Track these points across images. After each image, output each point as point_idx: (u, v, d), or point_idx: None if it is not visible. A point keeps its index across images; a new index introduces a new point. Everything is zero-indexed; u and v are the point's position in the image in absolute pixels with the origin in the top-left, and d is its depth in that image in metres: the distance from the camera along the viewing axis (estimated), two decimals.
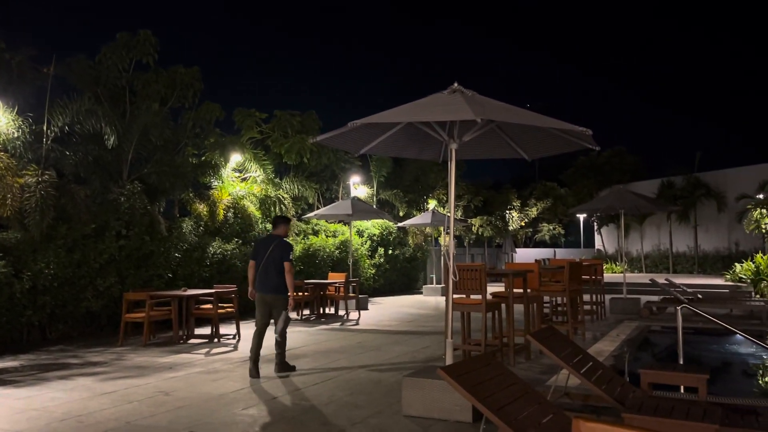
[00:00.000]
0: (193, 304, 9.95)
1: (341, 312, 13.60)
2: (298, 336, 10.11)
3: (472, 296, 7.16)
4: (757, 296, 16.09)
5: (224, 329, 10.45)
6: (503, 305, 7.42)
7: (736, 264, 20.02)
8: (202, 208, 12.90)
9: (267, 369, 7.25)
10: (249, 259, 7.38)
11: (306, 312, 13.33)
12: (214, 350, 8.73)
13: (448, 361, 5.19)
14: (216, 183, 13.62)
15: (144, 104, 11.83)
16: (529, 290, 7.64)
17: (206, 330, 10.22)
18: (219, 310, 9.76)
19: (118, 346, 9.05)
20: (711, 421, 3.15)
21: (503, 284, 8.28)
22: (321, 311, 13.07)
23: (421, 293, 19.93)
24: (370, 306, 14.98)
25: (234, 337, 9.81)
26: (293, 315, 12.73)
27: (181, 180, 12.19)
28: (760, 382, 7.05)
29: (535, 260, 11.46)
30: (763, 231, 16.63)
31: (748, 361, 8.27)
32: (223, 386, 6.37)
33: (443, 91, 5.24)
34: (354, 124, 4.64)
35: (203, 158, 13.60)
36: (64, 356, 8.29)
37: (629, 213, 15.76)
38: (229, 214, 13.55)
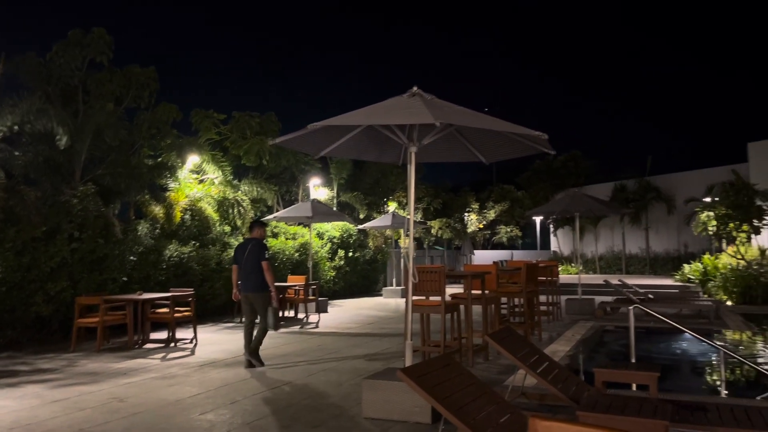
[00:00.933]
0: (149, 308, 9.75)
1: (301, 315, 13.52)
2: None
3: (431, 298, 7.22)
4: (705, 296, 16.66)
5: (181, 333, 10.27)
6: (462, 306, 7.50)
7: (685, 265, 20.72)
8: (158, 210, 12.66)
9: (227, 372, 7.17)
10: (231, 264, 8.42)
11: None
12: (171, 355, 8.57)
13: (408, 362, 5.22)
14: (173, 185, 13.37)
15: (98, 104, 11.55)
16: (487, 291, 7.75)
17: (162, 334, 10.02)
18: (176, 314, 9.59)
19: (70, 351, 8.80)
20: (662, 418, 3.25)
21: (462, 286, 8.38)
22: (280, 315, 12.95)
23: (381, 295, 19.96)
24: (330, 309, 14.94)
25: (191, 341, 9.65)
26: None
27: (136, 182, 11.94)
28: (709, 379, 7.31)
29: (493, 262, 11.61)
30: (710, 233, 17.23)
31: (697, 359, 8.56)
32: (180, 391, 6.26)
33: (403, 95, 5.27)
34: (313, 126, 4.63)
35: (160, 159, 13.34)
36: (13, 363, 8.02)
37: (584, 215, 16.13)
38: (186, 217, 13.33)
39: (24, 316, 9.60)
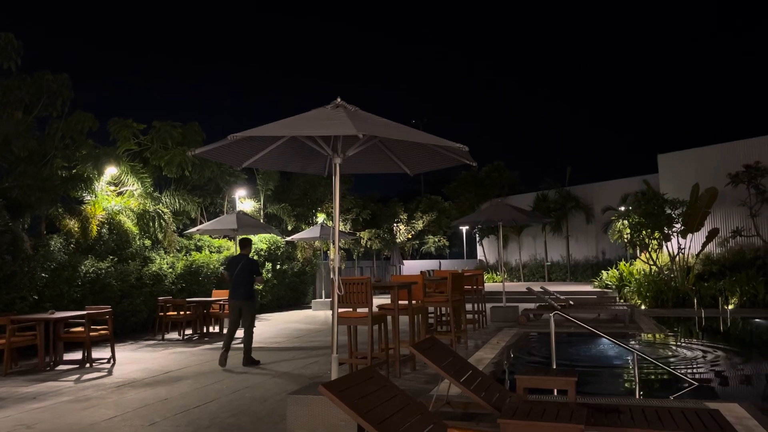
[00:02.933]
0: (62, 328, 9.23)
1: (225, 330, 13.19)
2: (179, 357, 9.68)
3: (358, 309, 7.19)
4: (621, 301, 17.44)
5: (97, 353, 9.79)
6: (389, 317, 7.51)
7: (603, 271, 21.63)
8: (72, 224, 12.05)
9: (146, 392, 6.88)
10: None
11: (188, 332, 12.79)
12: (86, 376, 8.14)
13: (334, 376, 5.16)
14: (89, 197, 12.77)
15: (5, 112, 10.91)
16: (414, 302, 7.80)
17: (77, 355, 9.52)
18: (92, 333, 9.13)
19: None
20: (577, 422, 3.35)
21: (390, 296, 8.40)
22: (204, 330, 12.59)
23: (310, 308, 19.77)
24: (257, 323, 14.61)
25: (108, 361, 9.21)
26: (176, 336, 12.31)
27: (48, 194, 11.32)
28: (624, 381, 7.62)
29: (420, 272, 11.73)
30: (625, 240, 18.07)
31: (614, 362, 8.91)
32: (95, 415, 5.95)
33: (327, 106, 5.25)
34: (234, 137, 4.52)
35: (74, 171, 12.72)
36: None
37: (507, 224, 16.56)
38: (104, 231, 12.76)
39: None
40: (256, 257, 18.37)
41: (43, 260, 10.76)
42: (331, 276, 5.45)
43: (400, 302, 7.41)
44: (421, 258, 38.84)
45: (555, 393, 5.82)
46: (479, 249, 33.75)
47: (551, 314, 7.21)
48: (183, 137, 14.55)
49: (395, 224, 30.63)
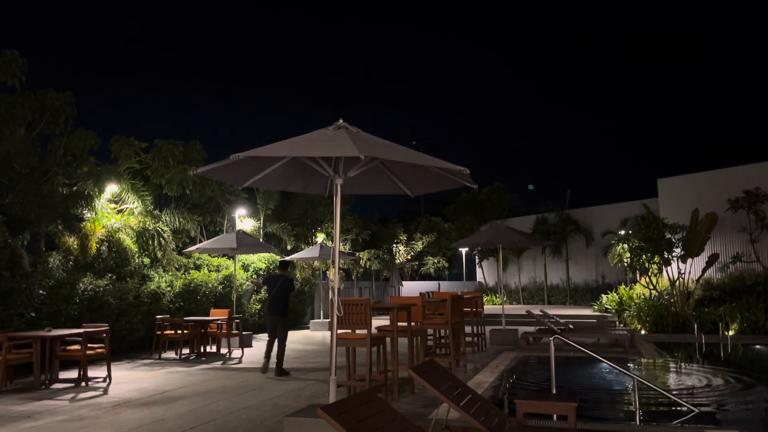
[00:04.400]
0: (58, 346, 9.17)
1: (223, 350, 13.11)
2: (176, 377, 9.60)
3: (357, 331, 7.15)
4: (621, 325, 17.35)
5: (93, 372, 9.72)
6: (388, 339, 7.47)
7: (603, 295, 21.53)
8: (72, 241, 12.03)
9: (142, 412, 6.81)
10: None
11: (185, 351, 12.70)
12: (81, 395, 8.07)
13: (332, 398, 5.12)
14: (89, 215, 12.76)
15: (7, 129, 10.96)
16: (413, 324, 7.75)
17: (73, 373, 9.45)
18: (88, 351, 9.07)
19: None
20: None
21: (389, 317, 8.36)
22: (201, 350, 12.51)
23: (308, 328, 19.65)
24: (254, 343, 14.56)
25: (104, 380, 9.14)
26: (173, 355, 12.22)
27: (48, 211, 11.32)
28: (623, 406, 7.54)
29: (420, 294, 11.70)
30: (625, 264, 18.03)
31: (614, 387, 8.84)
32: None
33: (329, 127, 5.28)
34: (236, 156, 4.54)
35: (75, 188, 12.73)
36: None
37: (507, 247, 16.53)
38: (103, 248, 12.73)
39: None
40: (254, 276, 18.36)
41: (41, 277, 10.73)
42: (330, 297, 5.43)
43: (399, 324, 7.37)
44: (420, 279, 38.71)
45: (555, 418, 5.76)
46: (478, 271, 33.65)
47: (551, 338, 7.17)
48: (184, 156, 14.59)
49: (395, 245, 30.57)
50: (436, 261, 34.80)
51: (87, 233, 12.22)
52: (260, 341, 15.42)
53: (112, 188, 13.38)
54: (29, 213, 11.00)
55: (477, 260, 33.07)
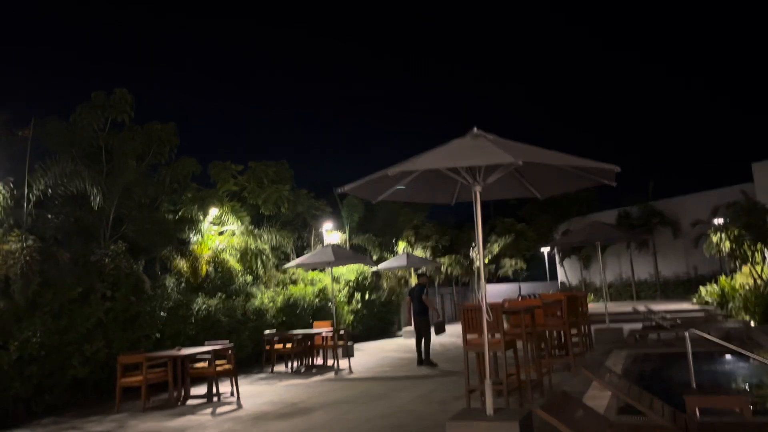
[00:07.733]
0: (189, 364, 9.64)
1: (330, 361, 13.39)
2: (297, 390, 9.89)
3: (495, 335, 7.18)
4: (730, 318, 16.67)
5: (219, 387, 10.14)
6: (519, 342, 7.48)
7: (701, 287, 20.73)
8: (183, 264, 12.63)
9: (283, 423, 7.06)
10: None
11: (296, 364, 13.05)
12: (219, 410, 8.46)
13: (489, 402, 5.19)
14: (195, 238, 13.37)
15: (121, 162, 11.63)
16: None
17: (199, 389, 9.89)
18: (216, 368, 9.48)
19: (114, 413, 8.66)
20: None
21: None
22: (310, 362, 12.83)
23: (399, 337, 19.82)
24: (356, 353, 14.80)
25: (231, 395, 9.53)
26: (283, 368, 12.55)
27: (162, 237, 11.95)
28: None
29: (529, 296, 11.70)
30: (724, 254, 17.35)
31: (751, 381, 8.53)
32: None
33: (465, 137, 5.38)
34: (392, 171, 4.70)
35: (180, 213, 13.37)
36: (62, 428, 7.88)
37: (604, 243, 16.22)
38: (210, 269, 13.29)
39: (61, 380, 9.44)
40: (345, 289, 18.69)
41: (161, 300, 11.29)
42: (479, 300, 5.51)
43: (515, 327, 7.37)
44: (498, 281, 38.32)
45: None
46: (559, 270, 33.03)
47: (686, 332, 7.00)
48: (276, 175, 15.08)
49: (471, 249, 30.40)
50: (513, 263, 34.37)
51: (197, 256, 12.79)
52: (359, 350, 15.69)
53: (213, 211, 13.96)
54: (145, 239, 11.62)
55: (558, 260, 32.46)
